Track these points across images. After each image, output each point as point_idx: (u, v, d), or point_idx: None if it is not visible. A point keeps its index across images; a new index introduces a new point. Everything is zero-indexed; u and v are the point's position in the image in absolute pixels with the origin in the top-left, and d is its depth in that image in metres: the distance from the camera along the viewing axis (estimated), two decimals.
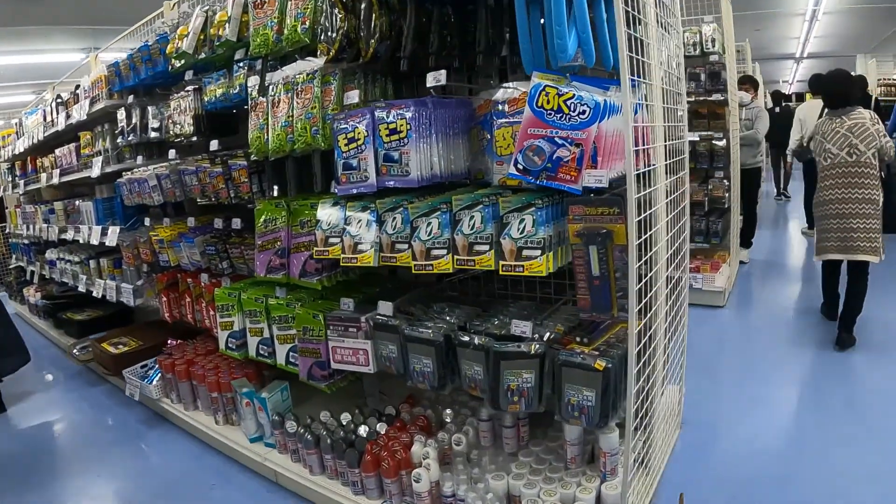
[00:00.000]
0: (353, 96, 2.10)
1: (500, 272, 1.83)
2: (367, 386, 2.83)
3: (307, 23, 2.12)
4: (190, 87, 2.87)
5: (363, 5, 2.00)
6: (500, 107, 1.89)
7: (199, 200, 3.32)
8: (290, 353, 2.53)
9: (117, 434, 3.33)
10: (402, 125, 1.92)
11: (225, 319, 2.79)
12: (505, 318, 2.10)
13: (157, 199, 3.26)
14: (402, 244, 2.00)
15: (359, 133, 1.99)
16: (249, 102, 2.46)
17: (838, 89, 3.57)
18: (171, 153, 3.12)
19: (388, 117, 1.95)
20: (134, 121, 3.36)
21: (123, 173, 3.78)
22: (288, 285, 2.52)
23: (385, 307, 2.19)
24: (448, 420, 2.36)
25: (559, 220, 1.84)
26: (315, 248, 2.22)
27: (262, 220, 2.46)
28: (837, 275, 3.88)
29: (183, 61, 2.83)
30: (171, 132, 3.03)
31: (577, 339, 1.94)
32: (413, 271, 1.97)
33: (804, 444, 2.62)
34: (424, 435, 2.30)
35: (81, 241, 4.20)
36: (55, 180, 4.59)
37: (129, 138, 3.41)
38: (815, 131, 3.69)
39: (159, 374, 3.36)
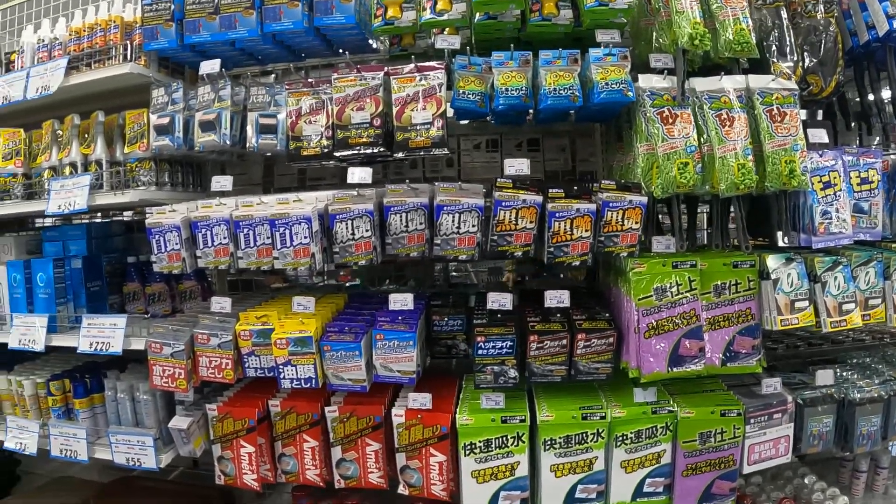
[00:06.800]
0: (821, 135, 1.87)
1: None
2: None
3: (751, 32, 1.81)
4: (411, 66, 1.86)
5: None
6: None
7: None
8: (647, 482, 1.90)
9: None
10: (872, 175, 1.88)
11: (492, 463, 1.88)
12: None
13: (319, 262, 1.86)
14: (876, 299, 1.86)
15: (834, 177, 1.83)
16: (641, 111, 1.82)
17: None
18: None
19: (859, 164, 1.87)
20: (184, 103, 2.09)
21: (147, 212, 2.04)
22: (687, 379, 1.87)
23: (825, 376, 1.94)
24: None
25: None
26: (780, 317, 1.79)
27: (649, 288, 1.81)
28: None
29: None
30: (321, 138, 1.91)
31: None
32: None
33: None
34: None
35: None
36: None
37: (175, 141, 2.07)
38: None
39: None
